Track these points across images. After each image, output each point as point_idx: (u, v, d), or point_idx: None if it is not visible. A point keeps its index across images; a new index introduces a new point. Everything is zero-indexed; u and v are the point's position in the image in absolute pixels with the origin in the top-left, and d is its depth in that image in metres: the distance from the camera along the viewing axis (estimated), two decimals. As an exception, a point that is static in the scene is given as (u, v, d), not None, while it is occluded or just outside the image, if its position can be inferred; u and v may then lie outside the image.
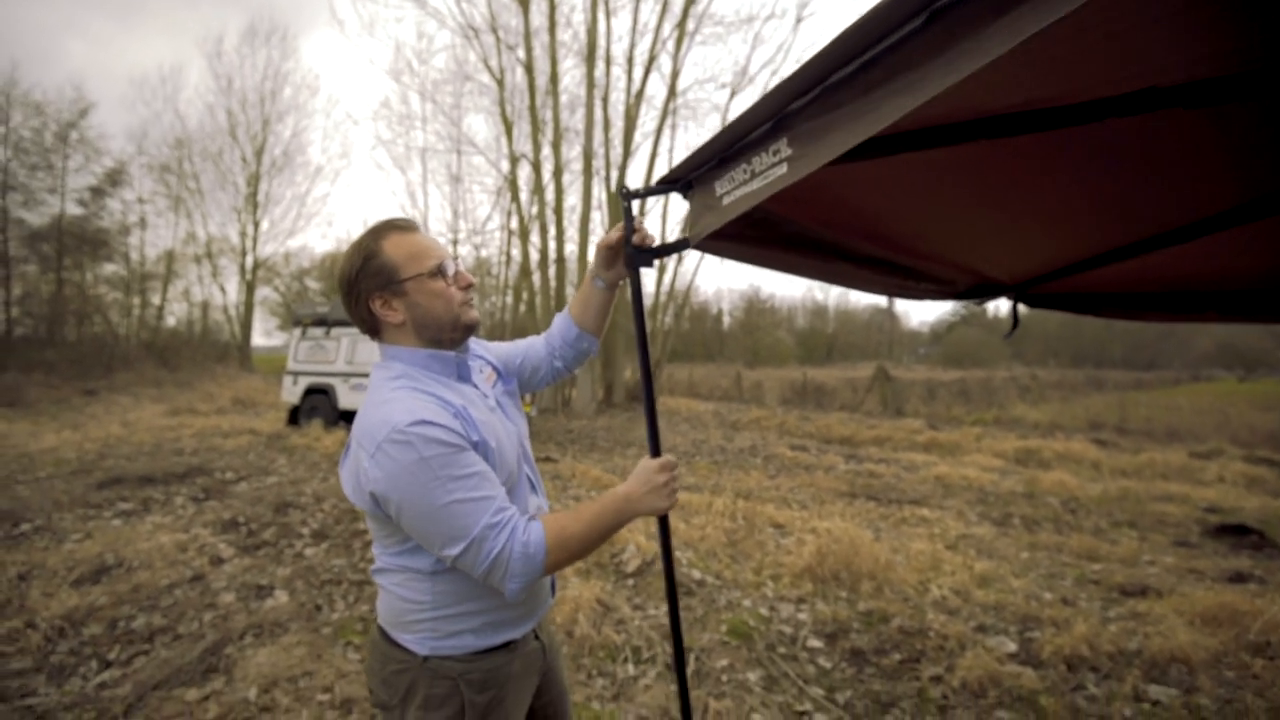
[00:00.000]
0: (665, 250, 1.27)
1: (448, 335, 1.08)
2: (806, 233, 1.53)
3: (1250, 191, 1.56)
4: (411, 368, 1.05)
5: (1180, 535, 5.38)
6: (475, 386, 1.12)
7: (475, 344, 1.23)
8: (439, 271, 1.05)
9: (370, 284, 1.04)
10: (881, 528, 5.21)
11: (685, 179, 1.16)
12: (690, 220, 1.16)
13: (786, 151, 0.90)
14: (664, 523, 1.25)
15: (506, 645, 1.10)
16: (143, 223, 24.60)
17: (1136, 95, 1.03)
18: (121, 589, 3.38)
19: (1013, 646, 3.07)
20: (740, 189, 1.00)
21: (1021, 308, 2.48)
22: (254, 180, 26.75)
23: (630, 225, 1.24)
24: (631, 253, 1.24)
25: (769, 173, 0.93)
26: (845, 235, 1.61)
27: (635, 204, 1.28)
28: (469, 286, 1.09)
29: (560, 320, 1.40)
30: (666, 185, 1.19)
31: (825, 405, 17.11)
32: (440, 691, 1.05)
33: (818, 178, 1.30)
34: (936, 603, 3.60)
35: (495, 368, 1.25)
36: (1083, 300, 2.44)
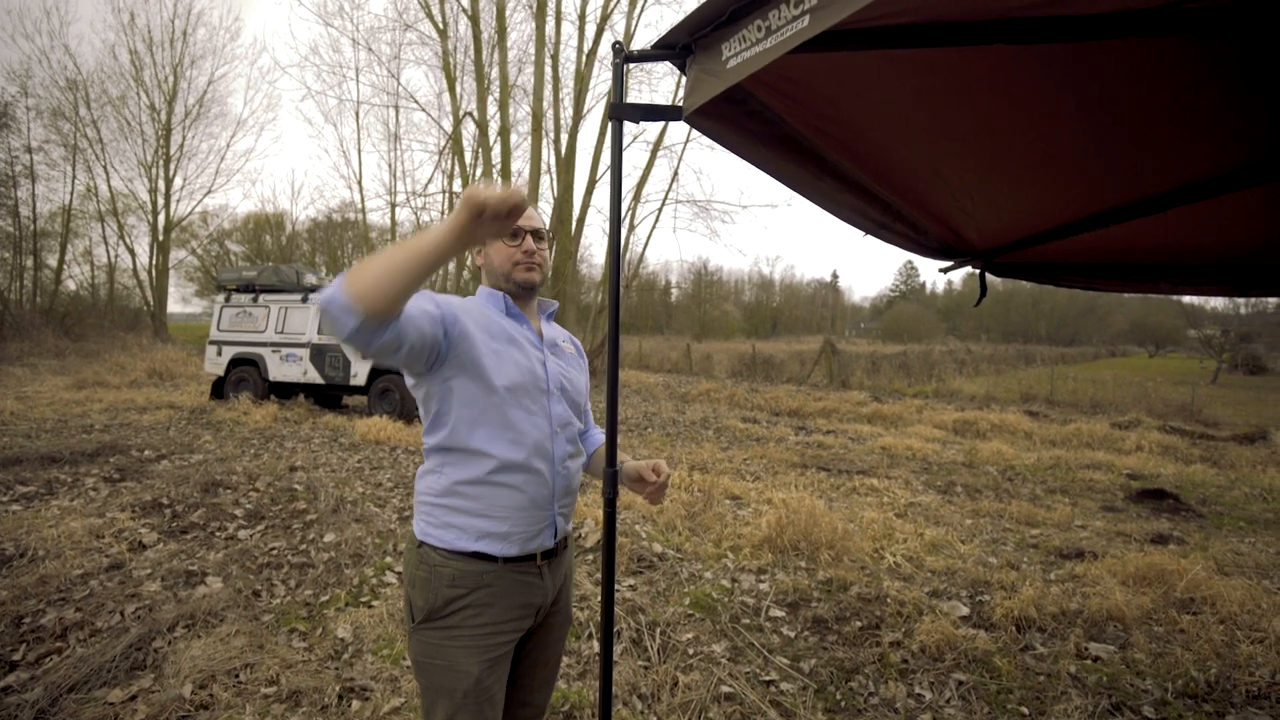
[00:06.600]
0: (655, 111, 1.27)
1: (503, 285, 1.34)
2: (799, 137, 1.48)
3: (1206, 170, 1.61)
4: (477, 298, 1.34)
5: (1107, 500, 5.76)
6: (517, 323, 1.31)
7: (574, 342, 1.48)
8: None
9: None
10: (833, 497, 5.32)
11: (686, 43, 1.08)
12: (687, 90, 1.09)
13: (811, 2, 0.82)
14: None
15: (486, 556, 1.19)
16: (32, 174, 22.11)
17: (1158, 12, 1.01)
18: (25, 581, 3.04)
19: (965, 610, 3.17)
20: (750, 50, 0.93)
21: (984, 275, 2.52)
22: (165, 131, 24.49)
23: (621, 85, 1.28)
24: (617, 103, 1.26)
25: (787, 28, 0.86)
26: (835, 149, 1.58)
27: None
28: (528, 252, 1.30)
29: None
30: (665, 49, 1.13)
31: (773, 378, 17.44)
32: (422, 575, 1.20)
33: (814, 76, 1.25)
34: (891, 570, 3.69)
35: (579, 350, 1.50)
36: (1045, 269, 2.52)
